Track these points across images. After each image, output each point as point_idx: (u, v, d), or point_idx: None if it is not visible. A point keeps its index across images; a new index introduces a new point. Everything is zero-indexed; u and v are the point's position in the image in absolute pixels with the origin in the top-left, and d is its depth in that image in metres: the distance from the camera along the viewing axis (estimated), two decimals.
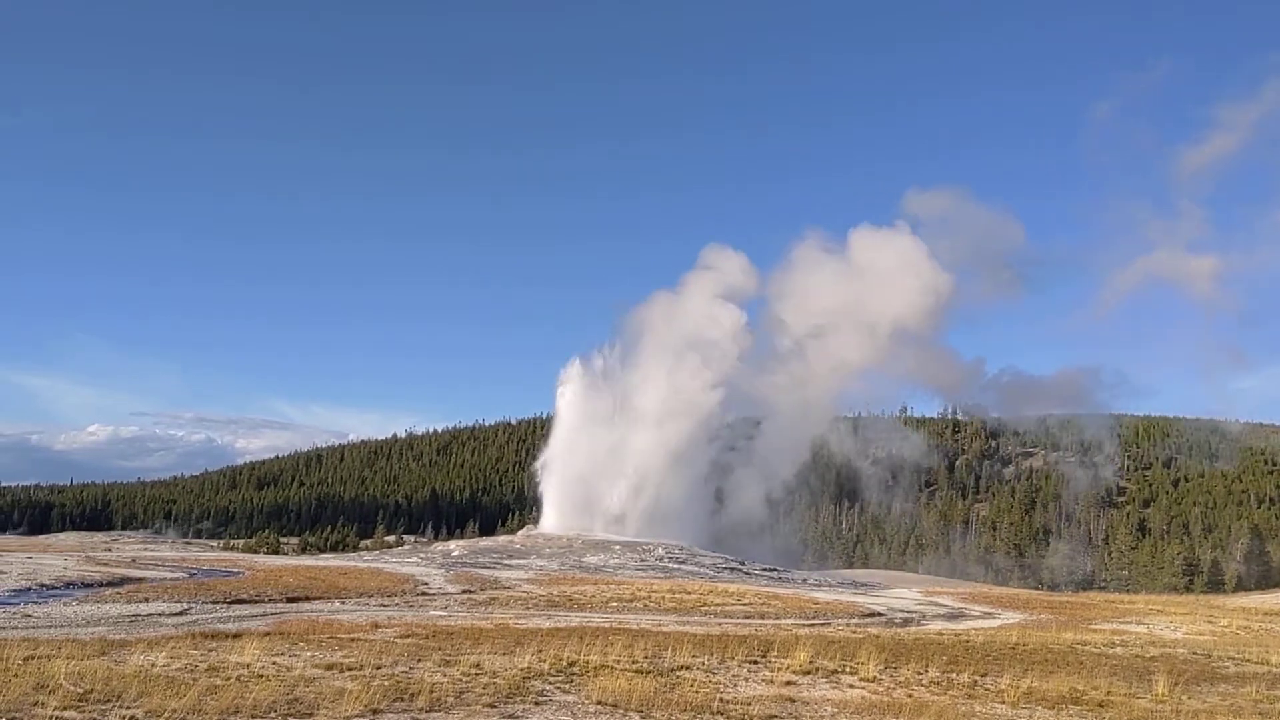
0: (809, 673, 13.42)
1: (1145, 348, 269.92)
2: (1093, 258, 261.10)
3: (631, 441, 70.49)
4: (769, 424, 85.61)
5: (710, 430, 75.16)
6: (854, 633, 21.92)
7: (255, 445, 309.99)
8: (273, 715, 8.85)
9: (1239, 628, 28.81)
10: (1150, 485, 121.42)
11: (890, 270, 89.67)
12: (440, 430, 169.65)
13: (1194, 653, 19.38)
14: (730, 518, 77.33)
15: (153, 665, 11.42)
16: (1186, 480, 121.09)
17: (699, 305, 78.98)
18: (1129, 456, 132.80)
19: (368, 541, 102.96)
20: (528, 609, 26.97)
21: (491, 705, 9.94)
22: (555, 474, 68.65)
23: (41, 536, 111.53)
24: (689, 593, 32.77)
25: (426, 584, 33.81)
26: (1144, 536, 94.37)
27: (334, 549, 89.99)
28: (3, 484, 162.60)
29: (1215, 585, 74.35)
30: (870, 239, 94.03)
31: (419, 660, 12.71)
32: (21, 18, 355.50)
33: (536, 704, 10.21)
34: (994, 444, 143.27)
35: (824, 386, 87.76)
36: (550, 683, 11.47)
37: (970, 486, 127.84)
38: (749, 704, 10.77)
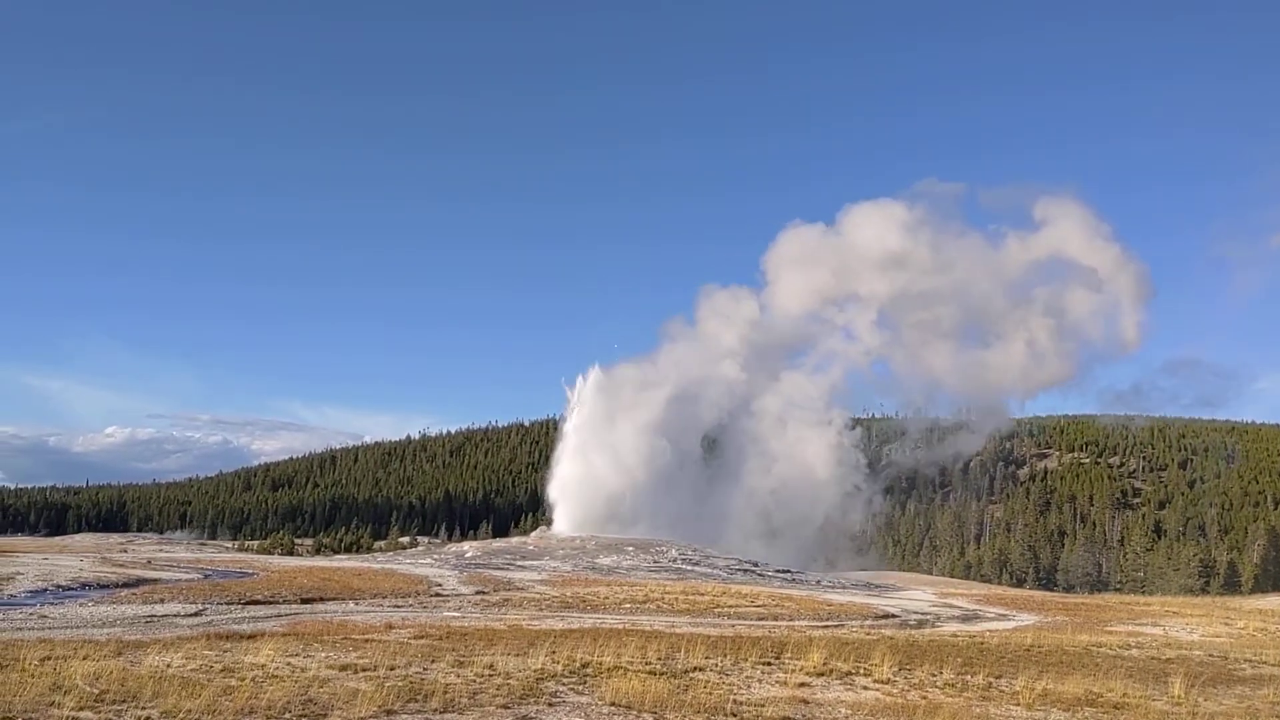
0: (823, 674, 13.39)
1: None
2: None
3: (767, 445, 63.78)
4: (926, 413, 78.88)
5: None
6: (868, 634, 21.84)
7: (270, 447, 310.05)
8: (287, 716, 8.89)
9: (1256, 629, 28.61)
10: (1166, 486, 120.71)
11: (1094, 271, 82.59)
12: (454, 432, 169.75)
13: (1210, 654, 19.23)
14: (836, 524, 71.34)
15: (168, 666, 11.48)
16: (1203, 481, 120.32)
17: (861, 254, 71.08)
18: (1144, 458, 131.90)
19: (382, 543, 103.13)
20: (541, 610, 27.00)
21: (505, 706, 9.95)
22: (570, 475, 68.23)
23: (58, 538, 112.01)
24: (702, 594, 32.74)
25: (440, 585, 33.88)
26: (1160, 538, 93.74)
27: (348, 550, 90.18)
28: (20, 486, 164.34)
29: (1232, 587, 73.84)
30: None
31: (433, 661, 12.73)
32: (45, 21, 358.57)
33: (550, 705, 10.22)
34: (1008, 445, 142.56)
35: (1014, 375, 78.92)
36: (564, 684, 11.47)
37: (985, 488, 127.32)
38: (763, 705, 10.74)
